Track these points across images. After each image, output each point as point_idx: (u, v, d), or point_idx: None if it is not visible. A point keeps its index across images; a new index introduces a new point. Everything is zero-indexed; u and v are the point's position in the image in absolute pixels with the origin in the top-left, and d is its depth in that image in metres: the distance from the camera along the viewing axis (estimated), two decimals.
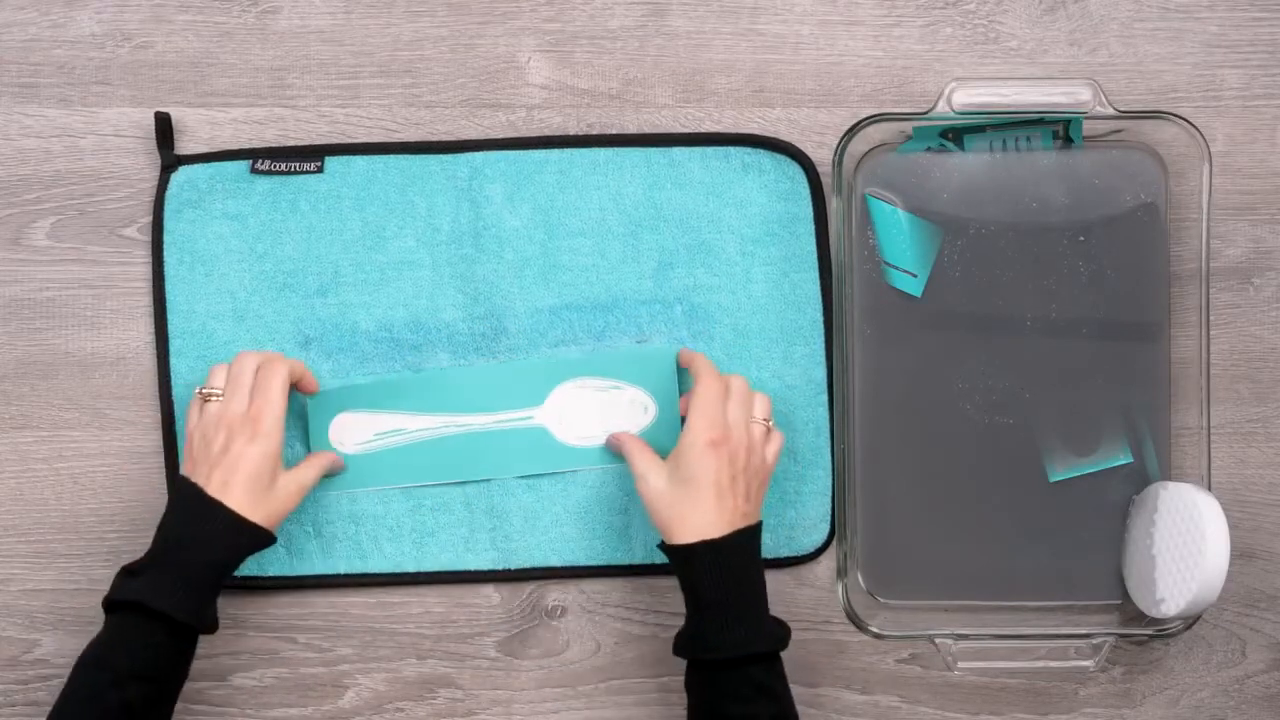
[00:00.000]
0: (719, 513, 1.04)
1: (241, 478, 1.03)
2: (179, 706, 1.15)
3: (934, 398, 1.14)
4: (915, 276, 1.13)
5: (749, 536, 1.05)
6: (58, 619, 1.16)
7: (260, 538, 1.04)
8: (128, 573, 1.03)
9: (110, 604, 1.02)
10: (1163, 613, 1.08)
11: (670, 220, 1.15)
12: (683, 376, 1.14)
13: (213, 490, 1.03)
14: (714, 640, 1.02)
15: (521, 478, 1.15)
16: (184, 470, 1.06)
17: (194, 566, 1.02)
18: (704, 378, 1.08)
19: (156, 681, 1.01)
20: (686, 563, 1.04)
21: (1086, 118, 1.12)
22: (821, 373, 1.15)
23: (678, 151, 1.15)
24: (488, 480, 1.15)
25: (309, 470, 1.09)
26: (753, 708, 1.01)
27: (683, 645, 1.04)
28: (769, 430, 1.09)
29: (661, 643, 1.16)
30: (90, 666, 1.01)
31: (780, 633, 1.05)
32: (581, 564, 1.16)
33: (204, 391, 1.07)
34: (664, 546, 1.06)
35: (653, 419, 1.14)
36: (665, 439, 1.12)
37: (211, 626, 1.04)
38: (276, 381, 1.06)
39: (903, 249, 1.13)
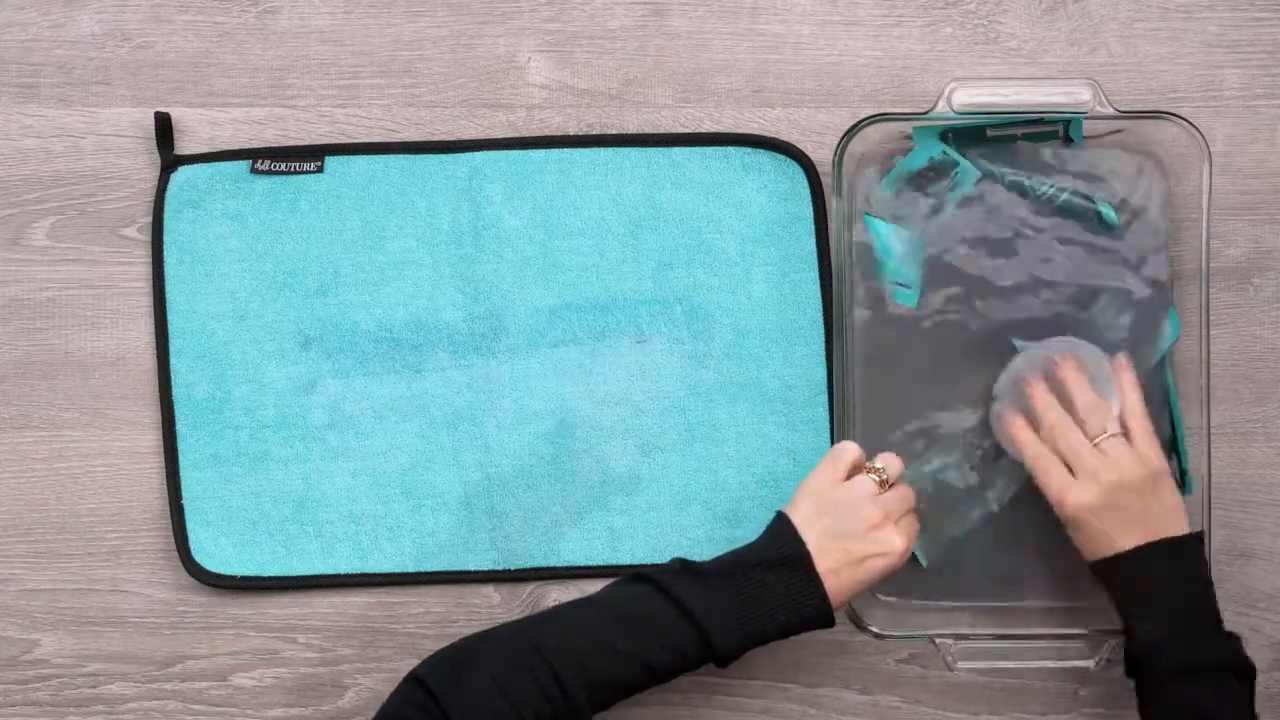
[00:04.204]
0: (1122, 539, 1.02)
1: (845, 570, 1.01)
2: (178, 706, 1.16)
3: (933, 398, 1.14)
4: (910, 289, 1.13)
5: (1158, 550, 1.03)
6: (58, 619, 1.16)
7: (824, 620, 1.01)
8: (697, 573, 1.01)
9: (662, 588, 1.00)
10: None
11: (670, 220, 1.15)
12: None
13: (822, 566, 1.00)
14: (1135, 655, 1.03)
15: (518, 476, 1.15)
16: (801, 517, 1.03)
17: (761, 620, 1.00)
18: (1022, 445, 1.07)
19: (652, 678, 1.00)
20: (1104, 581, 1.05)
21: (1086, 118, 1.12)
22: (821, 373, 1.15)
23: (678, 152, 1.15)
24: (487, 477, 1.15)
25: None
26: None
27: (1125, 663, 1.05)
28: (1123, 435, 1.05)
29: None
30: (621, 620, 0.99)
31: (1216, 648, 1.02)
32: (581, 564, 1.16)
33: (870, 467, 1.05)
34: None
35: None
36: None
37: (725, 662, 1.01)
38: (913, 515, 1.05)
39: (906, 264, 1.13)
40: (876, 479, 1.04)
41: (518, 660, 0.97)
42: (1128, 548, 1.02)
